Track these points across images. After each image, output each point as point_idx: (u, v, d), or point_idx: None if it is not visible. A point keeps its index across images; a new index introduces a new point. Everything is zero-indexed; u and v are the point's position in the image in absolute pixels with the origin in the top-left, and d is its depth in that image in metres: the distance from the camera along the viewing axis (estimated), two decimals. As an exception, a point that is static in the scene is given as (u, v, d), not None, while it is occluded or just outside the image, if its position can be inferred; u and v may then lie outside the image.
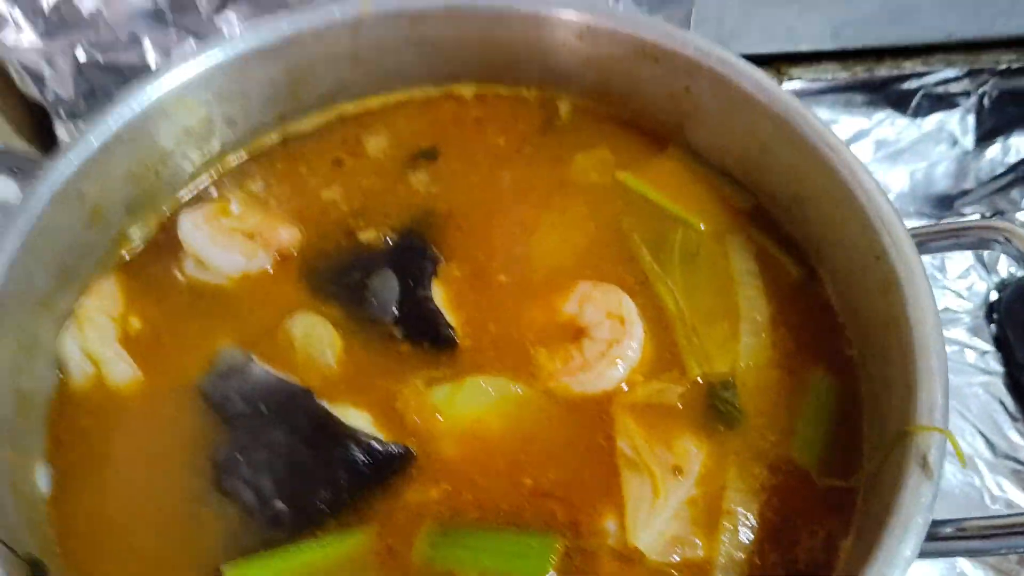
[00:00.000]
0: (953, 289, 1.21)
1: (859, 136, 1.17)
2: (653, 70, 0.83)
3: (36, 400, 0.72)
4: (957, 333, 1.19)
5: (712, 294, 0.78)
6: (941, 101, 1.13)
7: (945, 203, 1.24)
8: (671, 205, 0.83)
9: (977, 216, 1.25)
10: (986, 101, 1.14)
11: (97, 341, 0.75)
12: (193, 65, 0.79)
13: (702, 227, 0.82)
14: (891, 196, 1.21)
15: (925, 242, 0.70)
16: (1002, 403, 1.13)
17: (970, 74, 1.10)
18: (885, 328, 0.67)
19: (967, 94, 1.13)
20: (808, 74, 1.07)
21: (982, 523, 0.59)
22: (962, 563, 0.95)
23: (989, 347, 1.18)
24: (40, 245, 0.71)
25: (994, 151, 1.19)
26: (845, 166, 0.72)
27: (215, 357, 0.75)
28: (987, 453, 1.09)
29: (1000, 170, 1.22)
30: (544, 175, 0.86)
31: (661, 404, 0.72)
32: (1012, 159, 1.20)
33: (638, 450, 0.69)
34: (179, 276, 0.80)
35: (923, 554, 0.58)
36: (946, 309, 1.19)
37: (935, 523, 0.59)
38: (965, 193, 1.23)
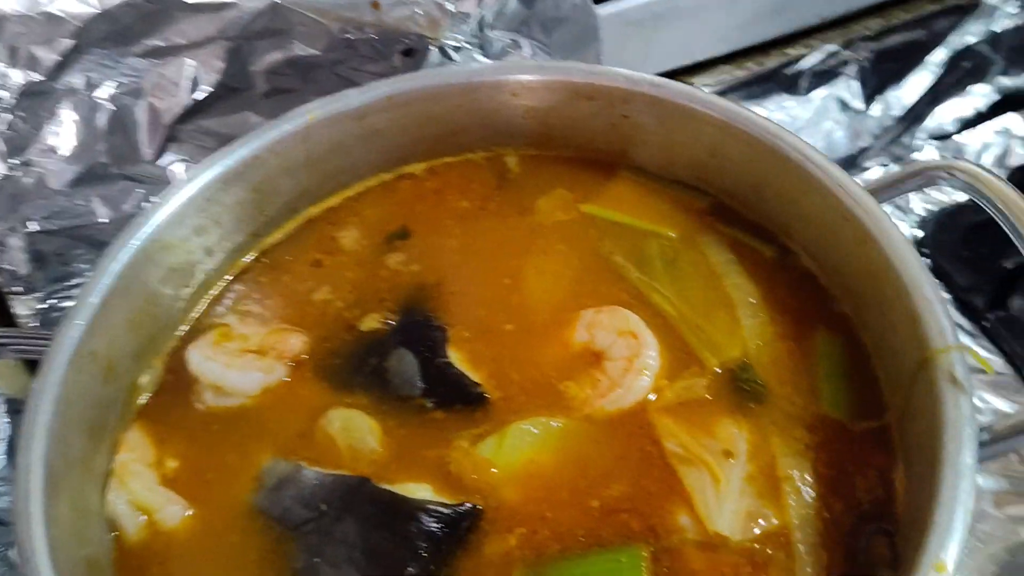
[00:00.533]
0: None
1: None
2: (589, 107, 0.90)
3: (102, 564, 0.72)
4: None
5: (702, 290, 0.84)
6: (827, 75, 1.24)
7: (849, 163, 1.35)
8: (638, 222, 0.89)
9: (880, 169, 1.36)
10: (865, 64, 1.25)
11: (141, 490, 0.75)
12: (165, 208, 0.81)
13: (672, 234, 0.88)
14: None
15: (878, 193, 0.78)
16: (960, 327, 1.22)
17: (847, 45, 1.21)
18: (872, 278, 0.74)
19: (846, 63, 1.24)
20: (709, 79, 1.16)
21: (1013, 421, 0.65)
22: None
23: (930, 281, 1.27)
24: (68, 409, 0.71)
25: (881, 107, 1.31)
26: (792, 147, 0.80)
27: (260, 474, 0.76)
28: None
29: (889, 123, 1.33)
30: (513, 225, 0.91)
31: (692, 400, 0.77)
32: (897, 112, 1.31)
33: (686, 446, 0.74)
34: (200, 408, 0.81)
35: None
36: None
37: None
38: (864, 150, 1.35)
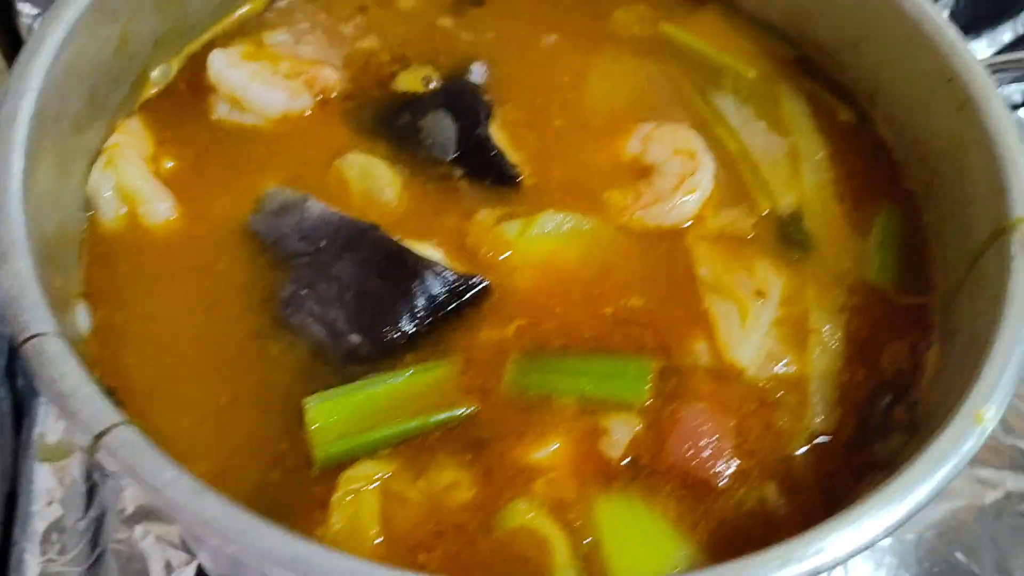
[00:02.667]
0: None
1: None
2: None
3: (70, 238, 0.65)
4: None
5: (770, 136, 0.78)
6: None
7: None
8: (717, 54, 0.82)
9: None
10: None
11: (131, 177, 0.68)
12: None
13: (751, 75, 0.81)
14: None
15: (999, 71, 0.71)
16: None
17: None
18: (958, 149, 0.68)
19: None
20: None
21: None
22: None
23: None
24: (73, 61, 0.64)
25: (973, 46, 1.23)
26: (908, 1, 0.73)
27: (263, 197, 0.70)
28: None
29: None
30: (587, 28, 0.84)
31: (735, 234, 0.71)
32: (989, 52, 1.24)
33: (718, 276, 0.68)
34: (212, 118, 0.74)
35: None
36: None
37: None
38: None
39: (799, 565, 0.46)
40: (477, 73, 0.78)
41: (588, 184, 0.73)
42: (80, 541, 0.82)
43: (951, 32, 0.70)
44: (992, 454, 1.04)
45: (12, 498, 0.85)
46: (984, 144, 0.65)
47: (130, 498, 0.84)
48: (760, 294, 0.68)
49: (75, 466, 0.86)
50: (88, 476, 0.86)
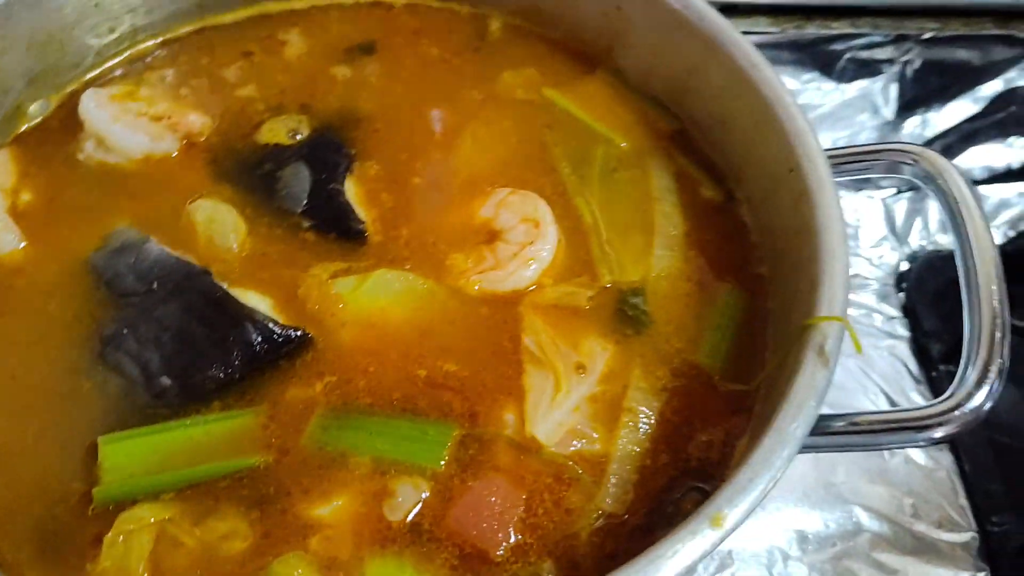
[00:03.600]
0: (865, 257, 1.24)
1: (786, 98, 1.19)
2: (587, -13, 0.83)
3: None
4: (866, 298, 1.21)
5: (630, 209, 0.78)
6: (866, 67, 1.15)
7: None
8: (595, 123, 0.83)
9: (893, 188, 1.28)
10: (908, 70, 1.16)
11: (-16, 209, 0.71)
12: (108, -65, 0.76)
13: (623, 145, 0.82)
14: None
15: (840, 164, 0.71)
16: (906, 366, 1.16)
17: (895, 40, 1.12)
18: (796, 237, 0.67)
19: (891, 61, 1.15)
20: (741, 26, 1.07)
21: (872, 417, 0.60)
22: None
23: (896, 313, 1.21)
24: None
25: (913, 124, 1.22)
26: (767, 84, 0.73)
27: (109, 235, 0.72)
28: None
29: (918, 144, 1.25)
30: (471, 88, 0.85)
31: (570, 306, 0.71)
32: (929, 133, 1.23)
33: (543, 347, 0.68)
34: (78, 156, 0.77)
35: (815, 446, 0.59)
36: (857, 275, 1.22)
37: (828, 416, 0.59)
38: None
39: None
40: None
41: (434, 245, 0.74)
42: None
43: (799, 120, 0.70)
44: (896, 541, 1.03)
45: None
46: (811, 239, 0.65)
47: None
48: (580, 368, 0.67)
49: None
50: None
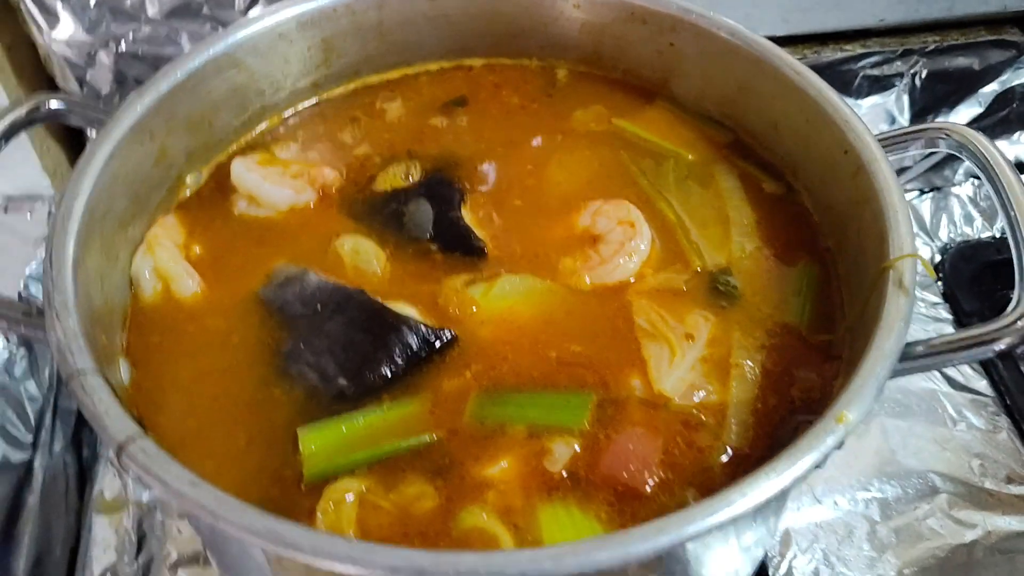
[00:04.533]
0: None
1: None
2: (640, 31, 0.97)
3: (116, 308, 0.80)
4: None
5: (705, 207, 0.90)
6: (879, 82, 1.29)
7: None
8: (662, 142, 0.96)
9: (916, 190, 1.41)
10: (917, 81, 1.30)
11: (166, 260, 0.84)
12: (243, 30, 0.91)
13: (690, 157, 0.95)
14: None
15: (886, 145, 0.83)
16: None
17: (902, 55, 1.26)
18: (857, 207, 0.79)
19: (900, 75, 1.29)
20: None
21: (944, 339, 0.70)
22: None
23: (939, 300, 1.32)
24: (118, 170, 0.80)
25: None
26: (812, 86, 0.86)
27: (272, 272, 0.85)
28: (945, 386, 1.22)
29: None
30: (549, 126, 0.99)
31: (670, 288, 0.83)
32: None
33: (654, 324, 0.80)
34: (234, 212, 0.90)
35: (905, 371, 0.70)
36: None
37: (908, 344, 0.71)
38: (904, 170, 1.39)
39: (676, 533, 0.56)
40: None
41: (543, 253, 0.86)
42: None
43: (846, 110, 0.83)
44: (970, 498, 1.11)
45: (75, 551, 0.99)
46: (873, 203, 0.77)
47: (173, 546, 0.97)
48: (689, 337, 0.79)
49: (127, 519, 1.00)
50: (139, 527, 1.00)
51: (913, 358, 0.70)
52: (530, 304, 0.82)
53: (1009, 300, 1.32)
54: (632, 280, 0.84)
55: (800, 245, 0.87)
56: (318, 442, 0.72)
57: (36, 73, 1.14)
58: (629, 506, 0.69)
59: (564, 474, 0.71)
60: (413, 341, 0.78)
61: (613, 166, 0.94)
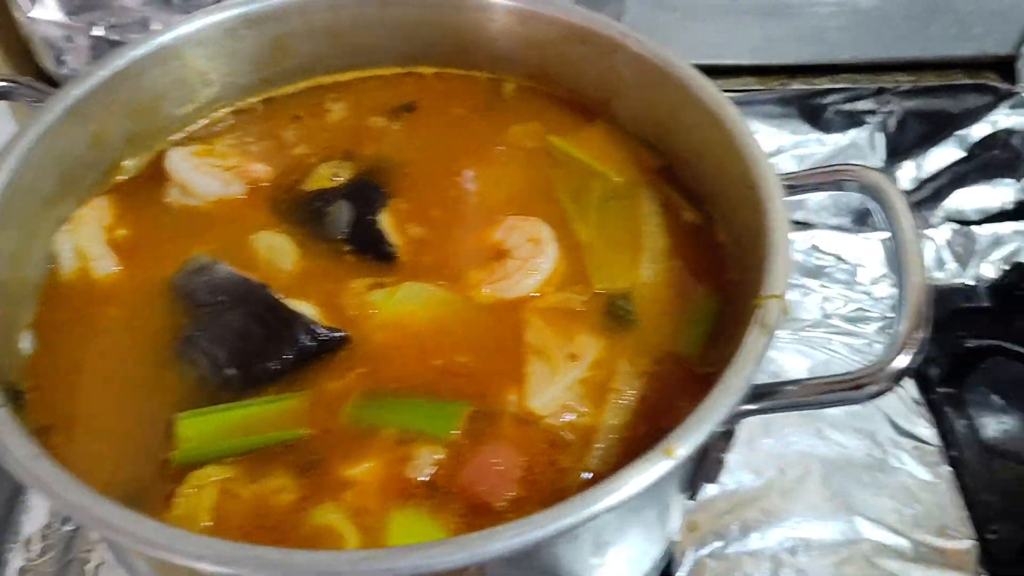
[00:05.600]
0: (866, 292, 1.34)
1: (780, 151, 1.32)
2: (582, 51, 0.98)
3: (29, 282, 0.84)
4: (868, 330, 1.31)
5: (621, 230, 0.91)
6: (851, 118, 1.28)
7: (862, 217, 1.38)
8: (593, 162, 0.97)
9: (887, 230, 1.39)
10: (891, 120, 1.28)
11: (87, 239, 0.87)
12: (189, 24, 0.94)
13: (617, 179, 0.95)
14: (812, 206, 1.35)
15: (795, 184, 0.83)
16: (906, 391, 1.25)
17: (876, 93, 1.25)
18: (754, 241, 0.79)
19: (873, 112, 1.27)
20: (730, 85, 1.22)
21: (816, 381, 0.71)
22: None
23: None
24: (48, 150, 0.84)
25: (903, 168, 1.33)
26: (728, 119, 0.86)
27: (188, 260, 0.88)
28: (890, 431, 1.20)
29: (908, 188, 1.36)
30: (486, 139, 1.00)
31: (567, 309, 0.84)
32: (919, 177, 1.34)
33: (542, 341, 0.81)
34: (165, 200, 0.93)
35: (770, 408, 0.70)
36: (859, 309, 1.33)
37: (779, 383, 0.71)
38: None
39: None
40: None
41: (452, 264, 0.88)
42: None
43: (755, 147, 0.83)
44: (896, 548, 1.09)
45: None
46: (763, 238, 0.77)
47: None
48: (573, 357, 0.80)
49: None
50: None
51: (779, 396, 0.71)
52: (427, 313, 0.83)
53: (973, 349, 1.30)
54: (532, 297, 0.85)
55: (707, 275, 0.87)
56: (193, 428, 0.75)
57: (21, 53, 1.19)
58: (479, 520, 0.70)
59: (424, 482, 0.72)
60: (303, 338, 0.80)
61: (539, 183, 0.95)
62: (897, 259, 0.74)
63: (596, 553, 0.75)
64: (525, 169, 0.97)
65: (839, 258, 1.36)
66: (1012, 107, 1.27)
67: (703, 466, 0.76)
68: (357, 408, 0.77)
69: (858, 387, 0.70)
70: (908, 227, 0.75)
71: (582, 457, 0.74)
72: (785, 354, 1.25)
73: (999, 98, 1.26)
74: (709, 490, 1.17)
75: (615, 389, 0.78)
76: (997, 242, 1.38)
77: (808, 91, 1.23)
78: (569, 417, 0.76)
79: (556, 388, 0.77)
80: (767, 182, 0.79)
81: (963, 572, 1.10)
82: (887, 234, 1.37)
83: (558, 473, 0.73)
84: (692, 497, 0.81)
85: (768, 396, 0.71)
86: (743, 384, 0.65)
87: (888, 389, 0.69)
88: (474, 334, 0.82)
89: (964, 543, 1.12)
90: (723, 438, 0.74)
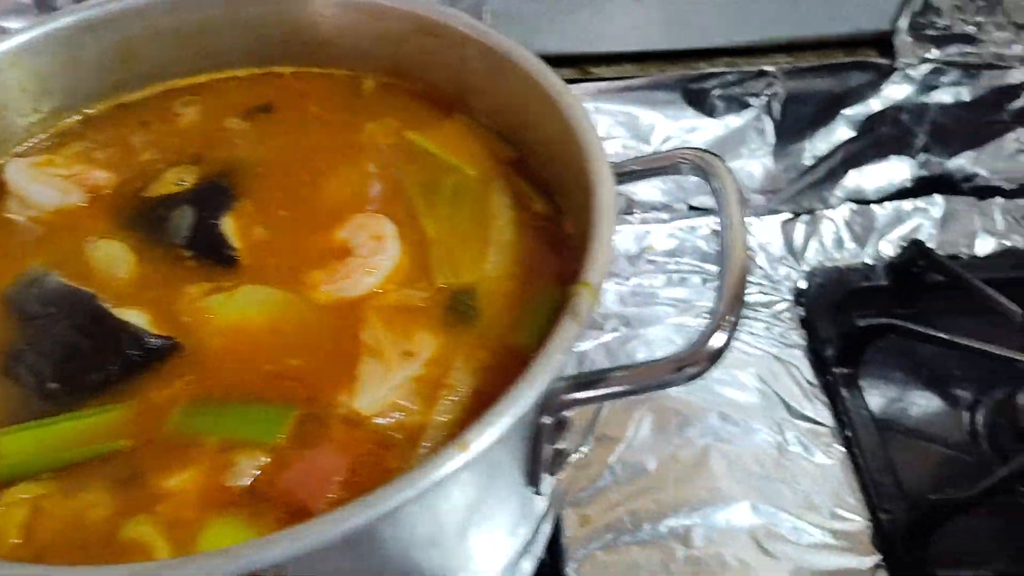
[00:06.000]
0: (767, 276, 1.34)
1: (668, 139, 1.31)
2: (434, 44, 0.97)
3: None
4: (767, 313, 1.31)
5: (471, 224, 0.89)
6: (735, 101, 1.27)
7: (760, 202, 1.37)
8: (447, 157, 0.95)
9: (791, 212, 1.38)
10: (775, 102, 1.27)
11: (-84, 254, 0.84)
12: (22, 35, 0.92)
13: (471, 172, 0.94)
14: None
15: (628, 172, 0.82)
16: (803, 373, 1.25)
17: (757, 75, 1.24)
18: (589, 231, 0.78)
19: (757, 95, 1.26)
20: (611, 72, 1.20)
21: (636, 368, 0.69)
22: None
23: (795, 326, 1.29)
24: None
25: (794, 150, 1.33)
26: (568, 108, 0.85)
27: (23, 273, 0.85)
28: (784, 413, 1.20)
29: (803, 170, 1.36)
30: (341, 138, 0.98)
31: (407, 305, 0.82)
32: (810, 158, 1.33)
33: (378, 340, 0.79)
34: (5, 215, 0.91)
35: (594, 398, 0.69)
36: (761, 292, 1.32)
37: (599, 371, 0.70)
38: (776, 192, 1.37)
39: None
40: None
41: (296, 265, 0.86)
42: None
43: (590, 135, 0.82)
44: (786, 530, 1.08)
45: None
46: (590, 227, 0.75)
47: None
48: (408, 355, 0.78)
49: None
50: None
51: (601, 384, 0.69)
52: (265, 316, 0.81)
53: (866, 328, 1.29)
54: (373, 295, 0.83)
55: (552, 267, 0.85)
56: (10, 445, 0.72)
57: None
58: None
59: (244, 489, 0.70)
60: (131, 348, 0.78)
61: (391, 180, 0.93)
62: (722, 239, 0.73)
63: (438, 543, 0.73)
64: (379, 166, 0.95)
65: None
66: (896, 83, 1.26)
67: (537, 458, 0.74)
68: (182, 417, 0.75)
69: (679, 369, 0.68)
70: (735, 209, 0.74)
71: (409, 457, 0.72)
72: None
73: (881, 75, 1.25)
74: (602, 482, 1.16)
75: (448, 385, 0.76)
76: (896, 220, 1.38)
77: (690, 76, 1.22)
78: (398, 416, 0.74)
79: (385, 387, 0.75)
80: (597, 170, 0.78)
81: (857, 554, 1.09)
82: (787, 215, 1.39)
83: (384, 474, 0.71)
84: (538, 491, 0.79)
85: (595, 384, 0.70)
86: (549, 375, 0.63)
87: (706, 369, 0.68)
88: (311, 336, 0.80)
89: (858, 524, 1.12)
90: (554, 428, 0.72)
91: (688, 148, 0.81)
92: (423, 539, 0.71)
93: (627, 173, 0.80)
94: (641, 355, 1.27)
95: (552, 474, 0.78)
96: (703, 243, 1.37)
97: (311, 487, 0.70)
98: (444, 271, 0.85)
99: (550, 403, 0.70)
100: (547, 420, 0.71)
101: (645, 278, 1.34)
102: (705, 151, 0.79)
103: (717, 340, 0.68)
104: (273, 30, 1.01)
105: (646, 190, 1.37)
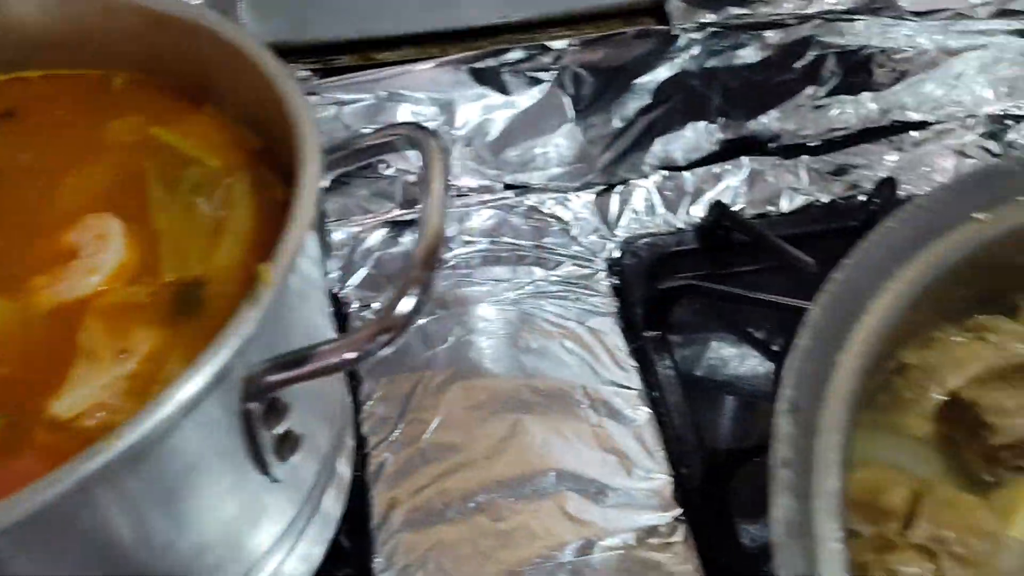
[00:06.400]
0: (582, 247, 1.34)
1: (468, 123, 1.31)
2: (173, 37, 0.94)
3: None
4: (581, 284, 1.32)
5: (207, 217, 0.87)
6: (526, 78, 1.27)
7: (573, 175, 1.38)
8: (191, 150, 0.93)
9: (603, 184, 1.39)
10: (566, 77, 1.28)
11: None
12: None
13: (214, 164, 0.92)
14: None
15: (345, 155, 0.82)
16: (609, 336, 1.25)
17: (541, 51, 1.24)
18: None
19: (547, 69, 1.27)
20: (394, 57, 1.19)
21: (328, 345, 0.68)
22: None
23: (609, 295, 1.30)
24: None
25: (594, 122, 1.33)
26: (285, 93, 0.84)
27: None
28: (592, 380, 1.20)
29: (609, 142, 1.36)
30: (83, 139, 0.95)
31: (131, 303, 0.80)
32: (610, 129, 1.34)
33: (94, 341, 0.77)
34: None
35: (287, 381, 0.68)
36: (576, 264, 1.33)
37: (293, 352, 0.68)
38: (587, 164, 1.37)
39: None
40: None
41: (21, 272, 0.83)
42: None
43: (305, 121, 0.81)
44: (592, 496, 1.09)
45: None
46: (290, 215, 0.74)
47: None
48: (123, 353, 0.76)
49: None
50: None
51: (313, 360, 0.69)
52: (-22, 326, 0.79)
53: (667, 290, 1.31)
54: (95, 296, 0.81)
55: (289, 253, 0.84)
56: None
57: None
58: (-7, 537, 0.66)
59: (-63, 505, 0.68)
60: None
61: (130, 178, 0.91)
62: (423, 210, 0.73)
63: (172, 545, 0.72)
64: (118, 165, 0.93)
65: (557, 218, 1.36)
66: (680, 49, 1.27)
67: (257, 446, 0.73)
68: None
69: (372, 338, 0.68)
70: (438, 183, 0.74)
71: (114, 454, 0.69)
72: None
73: (664, 42, 1.26)
74: (412, 464, 1.16)
75: (163, 380, 0.74)
76: (705, 184, 1.39)
77: (471, 56, 1.21)
78: (101, 415, 0.72)
79: (90, 388, 0.73)
80: (304, 156, 0.77)
81: (660, 510, 1.11)
82: (601, 187, 1.40)
83: (86, 476, 0.69)
84: (272, 478, 0.78)
85: (298, 363, 0.69)
86: (221, 360, 0.62)
87: (400, 335, 0.67)
88: (28, 343, 0.78)
89: (661, 481, 1.13)
90: (266, 413, 0.71)
91: (401, 123, 0.80)
92: (145, 538, 0.69)
93: (344, 157, 0.79)
94: (455, 336, 1.27)
95: (283, 459, 0.77)
96: (519, 220, 1.37)
97: (7, 494, 0.67)
98: (172, 265, 0.83)
99: (251, 388, 0.69)
100: (254, 406, 0.70)
101: (461, 259, 1.34)
102: (417, 125, 0.79)
103: (405, 305, 0.67)
104: (16, 35, 0.97)
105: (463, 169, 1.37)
